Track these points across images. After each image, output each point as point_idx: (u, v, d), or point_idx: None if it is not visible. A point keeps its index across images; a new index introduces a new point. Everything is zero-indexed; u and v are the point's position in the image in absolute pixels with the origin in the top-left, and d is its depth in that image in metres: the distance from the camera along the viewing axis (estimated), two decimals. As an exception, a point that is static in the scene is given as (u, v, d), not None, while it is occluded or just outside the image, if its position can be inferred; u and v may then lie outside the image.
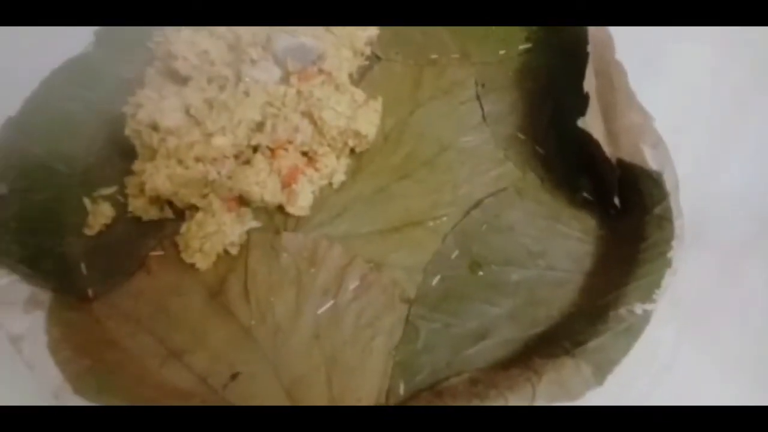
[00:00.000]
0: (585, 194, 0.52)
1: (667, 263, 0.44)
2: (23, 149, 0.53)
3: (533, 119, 0.57)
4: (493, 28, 0.62)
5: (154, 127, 0.50)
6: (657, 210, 0.47)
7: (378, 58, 0.62)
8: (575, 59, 0.53)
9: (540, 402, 0.40)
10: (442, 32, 0.63)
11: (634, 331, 0.42)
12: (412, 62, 0.61)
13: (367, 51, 0.61)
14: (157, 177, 0.49)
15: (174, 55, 0.54)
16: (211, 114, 0.51)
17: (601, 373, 0.41)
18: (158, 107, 0.50)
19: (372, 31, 0.61)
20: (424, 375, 0.45)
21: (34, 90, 0.56)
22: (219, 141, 0.50)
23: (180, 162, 0.50)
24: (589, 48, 0.52)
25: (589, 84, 0.50)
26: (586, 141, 0.50)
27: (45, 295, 0.46)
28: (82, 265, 0.50)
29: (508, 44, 0.62)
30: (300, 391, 0.44)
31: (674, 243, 0.45)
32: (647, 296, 0.43)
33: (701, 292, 0.48)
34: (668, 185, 0.47)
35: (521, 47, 0.62)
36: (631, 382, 0.45)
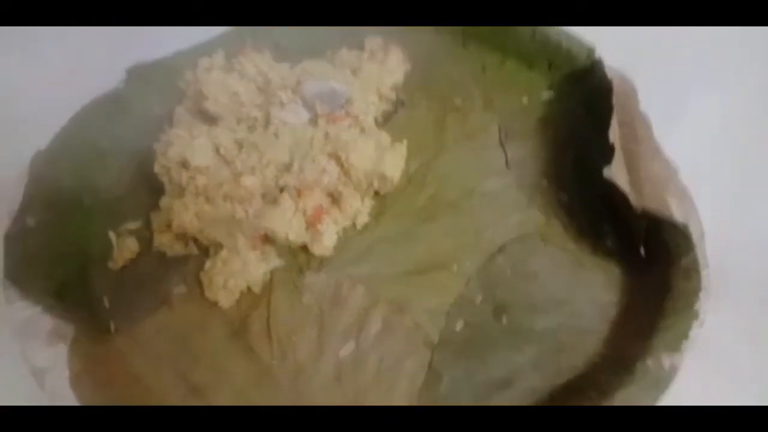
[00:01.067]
0: (609, 243, 0.52)
1: (694, 315, 0.44)
2: (51, 182, 0.53)
3: (556, 166, 0.57)
4: (516, 76, 0.63)
5: (184, 165, 0.51)
6: (683, 261, 0.46)
7: (403, 103, 0.63)
8: (598, 109, 0.54)
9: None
10: (466, 79, 0.64)
11: (661, 385, 0.42)
12: (436, 107, 0.62)
13: (393, 96, 0.62)
14: (185, 214, 0.49)
15: (204, 95, 0.55)
16: (240, 154, 0.52)
17: (628, 425, 0.40)
18: (188, 146, 0.51)
19: (398, 77, 0.63)
20: (446, 422, 0.44)
21: (63, 125, 0.57)
22: (248, 181, 0.51)
23: (208, 200, 0.50)
24: (614, 98, 0.52)
25: (614, 133, 0.50)
26: (611, 190, 0.50)
27: (68, 328, 0.46)
28: (105, 299, 0.50)
29: (530, 92, 0.63)
30: (320, 435, 0.44)
31: (701, 294, 0.45)
32: (674, 347, 0.43)
33: (726, 342, 0.48)
34: (694, 236, 0.47)
35: (544, 96, 0.62)
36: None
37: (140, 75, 0.61)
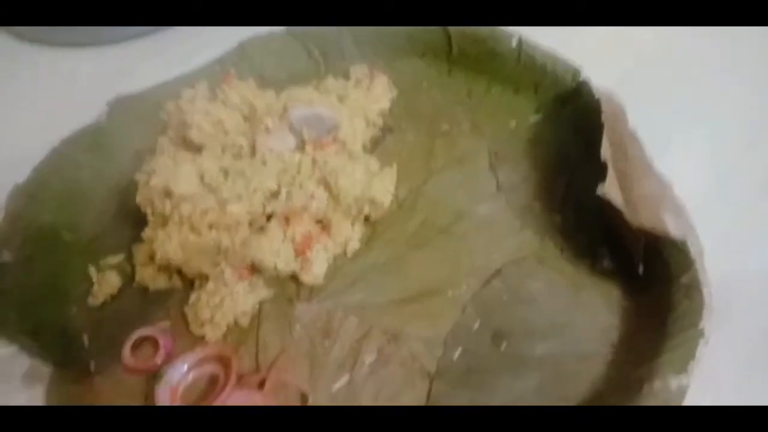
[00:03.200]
0: (606, 264, 0.51)
1: (700, 333, 0.43)
2: (30, 216, 0.52)
3: (548, 189, 0.56)
4: (503, 100, 0.63)
5: (167, 194, 0.50)
6: (684, 279, 0.45)
7: (390, 129, 0.62)
8: (587, 129, 0.54)
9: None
10: (452, 105, 0.63)
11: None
12: (423, 133, 0.61)
13: (380, 122, 0.62)
14: (169, 244, 0.48)
15: (188, 123, 0.54)
16: (226, 182, 0.50)
17: (639, 452, 0.38)
18: (172, 174, 0.49)
19: (384, 103, 0.62)
20: (448, 455, 0.42)
21: (43, 158, 0.55)
22: (234, 208, 0.49)
23: (193, 229, 0.49)
24: (603, 118, 0.52)
25: (605, 152, 0.50)
26: (606, 209, 0.49)
27: (45, 369, 0.43)
28: (85, 337, 0.47)
29: (518, 116, 0.62)
30: (315, 474, 0.41)
31: (704, 312, 0.43)
32: (681, 368, 0.41)
33: (732, 371, 0.46)
34: (693, 253, 0.46)
35: (531, 119, 0.62)
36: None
37: (122, 108, 0.60)
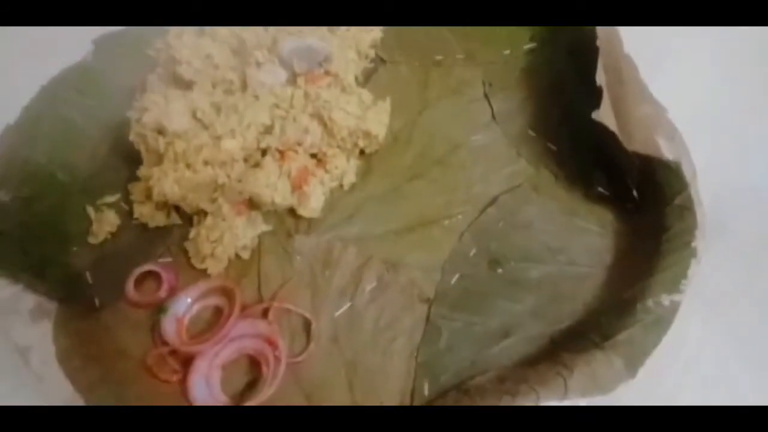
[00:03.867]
0: (600, 189, 0.51)
1: (692, 253, 0.44)
2: (24, 157, 0.51)
3: (543, 117, 0.56)
4: (497, 28, 0.62)
5: (160, 131, 0.49)
6: (677, 200, 0.46)
7: (383, 60, 0.61)
8: (582, 56, 0.53)
9: (572, 396, 0.39)
10: (445, 34, 0.62)
11: (663, 322, 0.41)
12: (417, 64, 0.61)
13: (372, 54, 0.61)
14: (165, 181, 0.48)
15: (177, 60, 0.53)
16: (219, 117, 0.50)
17: (632, 365, 0.40)
18: (164, 111, 0.49)
19: (375, 34, 0.61)
20: (448, 375, 0.43)
21: (32, 97, 0.55)
22: (228, 144, 0.49)
23: (188, 166, 0.48)
24: (598, 43, 0.51)
25: (601, 78, 0.49)
26: (600, 134, 0.49)
27: (51, 305, 0.44)
28: (88, 275, 0.48)
29: (512, 44, 0.61)
30: (321, 396, 0.43)
31: (697, 232, 0.44)
32: (674, 287, 0.43)
33: (724, 285, 0.48)
34: (687, 175, 0.46)
35: (526, 47, 0.61)
36: (660, 377, 0.44)
37: (108, 45, 0.59)
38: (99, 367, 0.42)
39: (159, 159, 0.49)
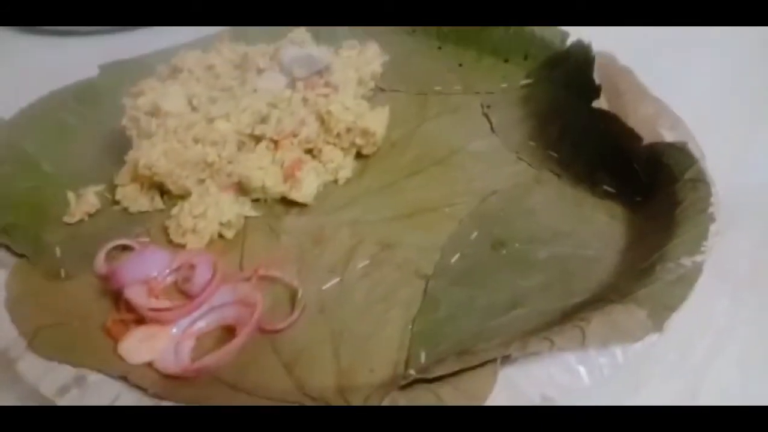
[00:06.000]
0: (606, 187, 0.49)
1: (710, 218, 0.40)
2: (12, 143, 0.50)
3: (542, 131, 0.56)
4: (494, 69, 0.64)
5: (154, 114, 0.48)
6: (688, 174, 0.43)
7: (382, 90, 0.62)
8: (579, 88, 0.53)
9: (592, 345, 0.33)
10: (443, 71, 0.64)
11: (686, 280, 0.37)
12: (416, 93, 0.61)
13: (371, 84, 0.62)
14: (153, 152, 0.46)
15: (179, 68, 0.54)
16: (215, 103, 0.49)
17: (657, 317, 0.35)
18: (160, 93, 0.49)
19: (376, 67, 0.62)
20: (448, 344, 0.38)
21: (31, 102, 0.55)
22: (221, 124, 0.48)
23: (178, 141, 0.47)
24: (596, 77, 0.51)
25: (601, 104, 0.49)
26: (603, 130, 0.49)
27: (11, 259, 0.40)
28: (57, 249, 0.44)
29: (509, 80, 0.63)
30: (301, 365, 0.37)
31: (713, 199, 0.41)
32: (695, 248, 0.39)
33: (749, 266, 0.44)
34: (695, 153, 0.44)
35: (523, 82, 0.62)
36: (692, 346, 0.38)
37: (114, 68, 0.60)
38: (51, 318, 0.37)
39: (149, 137, 0.48)
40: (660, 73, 0.51)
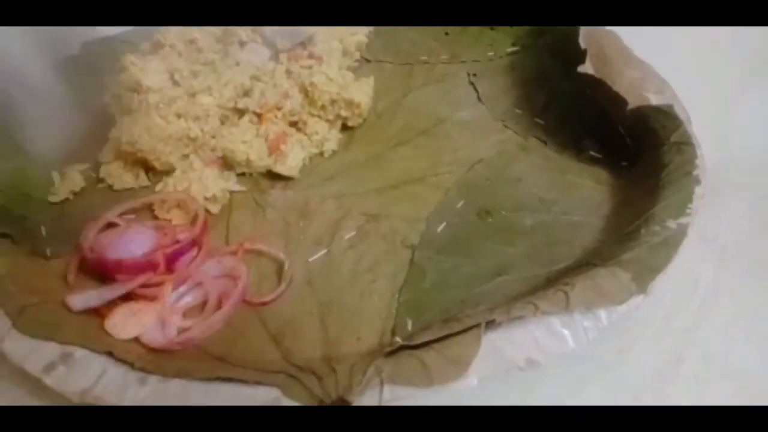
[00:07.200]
0: (592, 153, 0.49)
1: (695, 180, 0.40)
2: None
3: (529, 98, 0.55)
4: (480, 34, 0.63)
5: (136, 90, 0.48)
6: (673, 137, 0.43)
7: (367, 61, 0.61)
8: (565, 56, 0.53)
9: (576, 309, 0.33)
10: (429, 40, 0.63)
11: (671, 242, 0.37)
12: (401, 62, 0.61)
13: (356, 55, 0.61)
14: (135, 128, 0.45)
15: (161, 43, 0.53)
16: (197, 77, 0.49)
17: (642, 279, 0.35)
18: (142, 69, 0.48)
19: (360, 38, 0.62)
20: (434, 312, 0.38)
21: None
22: (203, 98, 0.47)
23: (161, 117, 0.46)
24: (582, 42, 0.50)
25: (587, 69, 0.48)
26: (588, 95, 0.49)
27: (-5, 239, 0.40)
28: (42, 228, 0.44)
29: (495, 48, 0.62)
30: (289, 336, 0.37)
31: (698, 162, 0.41)
32: (680, 211, 0.39)
33: (733, 234, 0.44)
34: (681, 116, 0.44)
35: (509, 50, 0.62)
36: (677, 310, 0.39)
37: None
38: (37, 296, 0.37)
39: (131, 113, 0.47)
40: (648, 37, 0.51)
